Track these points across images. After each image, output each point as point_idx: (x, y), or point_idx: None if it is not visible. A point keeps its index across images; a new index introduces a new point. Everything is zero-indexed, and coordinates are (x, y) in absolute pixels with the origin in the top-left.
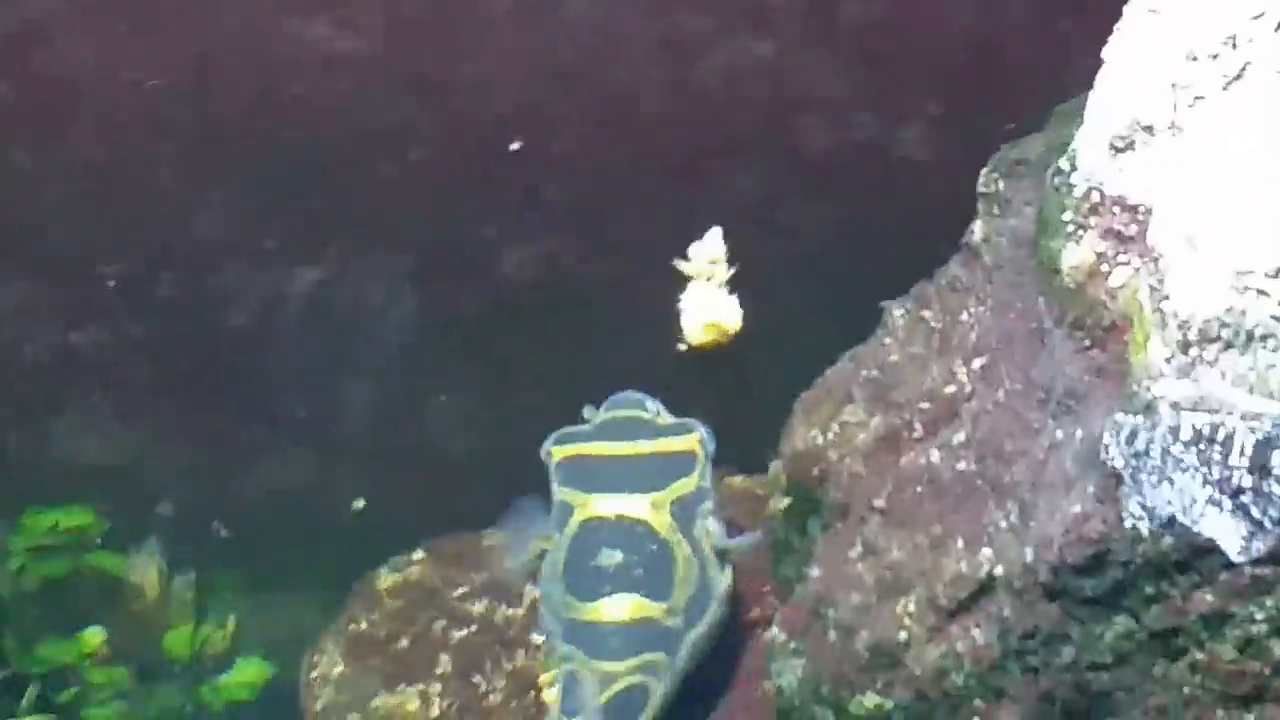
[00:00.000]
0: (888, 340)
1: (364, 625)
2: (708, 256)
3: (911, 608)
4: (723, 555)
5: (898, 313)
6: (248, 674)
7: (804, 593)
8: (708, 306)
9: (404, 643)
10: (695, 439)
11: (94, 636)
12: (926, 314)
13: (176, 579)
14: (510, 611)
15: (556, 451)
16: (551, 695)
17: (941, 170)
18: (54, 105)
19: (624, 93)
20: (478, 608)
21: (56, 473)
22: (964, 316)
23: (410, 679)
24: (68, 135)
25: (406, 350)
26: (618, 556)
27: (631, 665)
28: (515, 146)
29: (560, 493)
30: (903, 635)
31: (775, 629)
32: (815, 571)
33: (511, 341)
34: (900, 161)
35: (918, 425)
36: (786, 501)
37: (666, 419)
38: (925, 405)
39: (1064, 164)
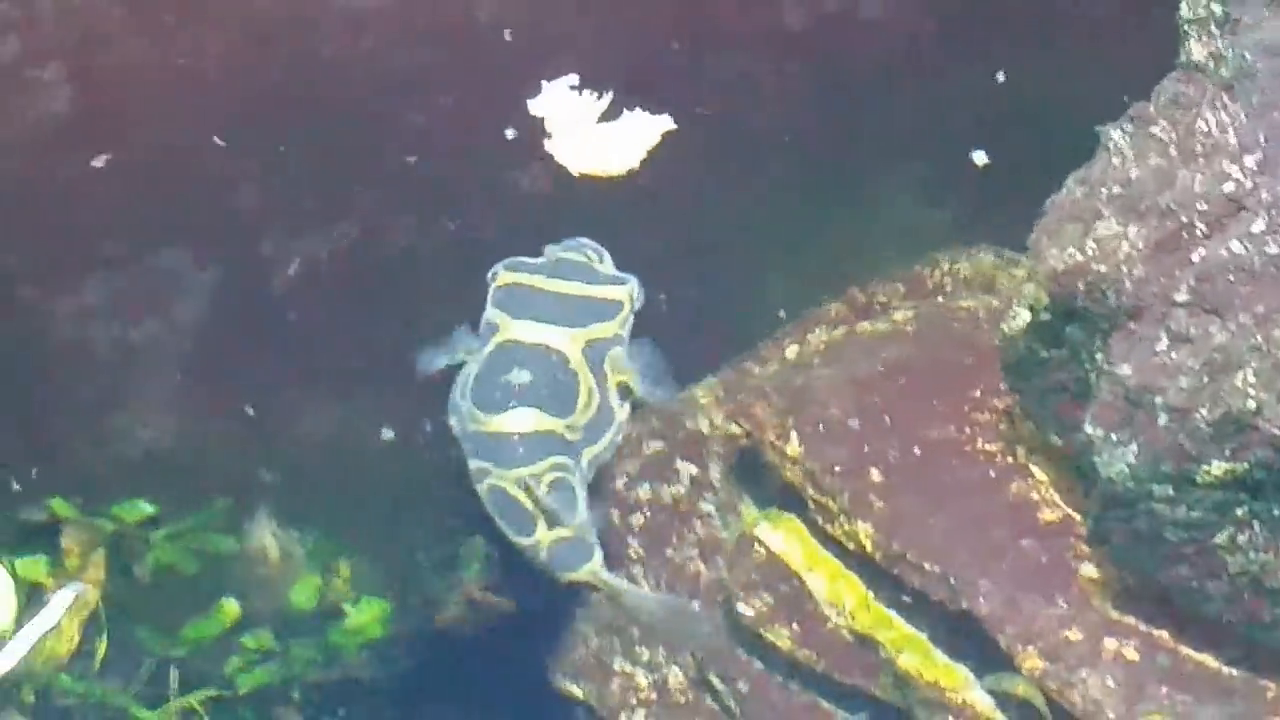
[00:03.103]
0: (1117, 160)
1: None
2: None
3: (1252, 378)
4: (625, 392)
5: (1117, 135)
6: (372, 612)
7: (1112, 389)
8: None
9: None
10: (626, 291)
11: (232, 608)
12: (1155, 130)
13: (285, 537)
14: (672, 489)
15: (502, 276)
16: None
17: None
18: (104, 100)
19: None
20: (643, 493)
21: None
22: (1202, 125)
23: (611, 566)
24: (119, 129)
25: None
26: (526, 376)
27: (544, 466)
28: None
29: (491, 313)
30: (1250, 404)
31: (1089, 428)
32: (1125, 369)
33: None
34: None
35: (1199, 225)
36: (1025, 318)
37: (608, 269)
38: (1202, 206)
39: None
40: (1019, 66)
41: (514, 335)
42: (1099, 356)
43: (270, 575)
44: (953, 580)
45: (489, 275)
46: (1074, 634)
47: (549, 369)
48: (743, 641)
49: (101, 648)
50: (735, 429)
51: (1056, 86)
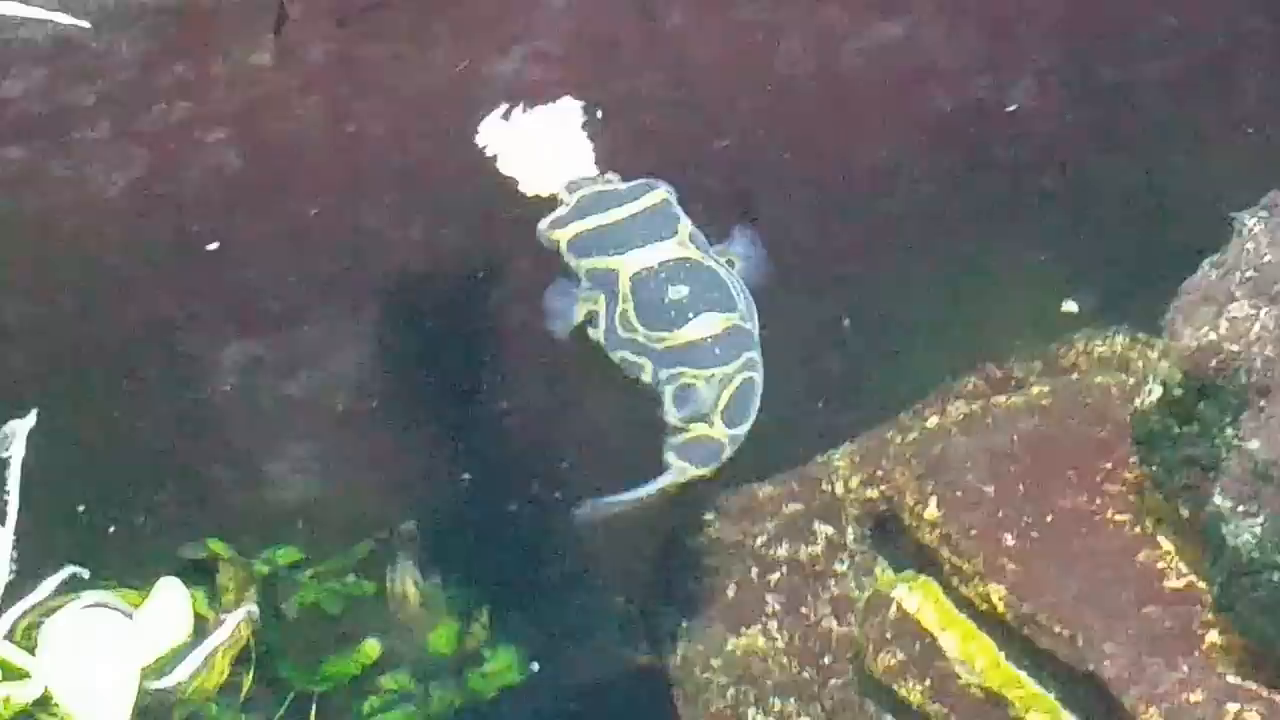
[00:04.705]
0: (1250, 245)
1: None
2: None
3: None
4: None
5: (1251, 221)
6: (509, 659)
7: (1241, 464)
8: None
9: (730, 593)
10: (663, 193)
11: (372, 648)
12: None
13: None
14: (809, 549)
15: (559, 235)
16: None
17: None
18: (273, 168)
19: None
20: (782, 552)
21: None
22: None
23: (748, 621)
24: (285, 191)
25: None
26: (684, 290)
27: (739, 365)
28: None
29: (589, 263)
30: None
31: (1218, 499)
32: (1254, 444)
33: None
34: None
35: None
36: (1158, 394)
37: (626, 184)
38: None
39: None
40: (1158, 155)
41: (637, 265)
42: (1229, 432)
43: (411, 619)
44: (1080, 642)
45: (541, 238)
46: (1197, 696)
47: (694, 275)
48: (874, 695)
49: (247, 681)
50: (873, 493)
51: (1193, 175)
